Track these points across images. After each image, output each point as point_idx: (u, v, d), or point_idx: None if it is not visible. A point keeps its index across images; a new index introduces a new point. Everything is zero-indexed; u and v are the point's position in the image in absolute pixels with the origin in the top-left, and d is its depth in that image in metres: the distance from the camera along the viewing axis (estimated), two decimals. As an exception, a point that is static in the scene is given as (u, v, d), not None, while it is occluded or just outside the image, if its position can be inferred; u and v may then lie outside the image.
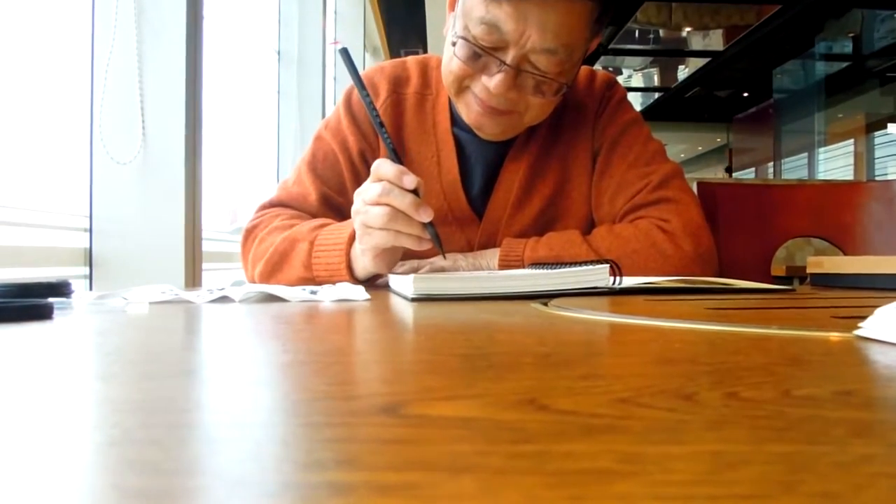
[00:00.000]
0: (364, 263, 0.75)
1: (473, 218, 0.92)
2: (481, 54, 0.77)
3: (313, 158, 0.93)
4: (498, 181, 0.91)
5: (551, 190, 0.91)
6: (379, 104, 0.92)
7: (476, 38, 0.76)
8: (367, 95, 0.75)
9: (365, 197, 0.70)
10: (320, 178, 0.92)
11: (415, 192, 0.68)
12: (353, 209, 0.72)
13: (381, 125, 0.74)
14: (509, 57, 0.76)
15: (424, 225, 0.70)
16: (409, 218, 0.68)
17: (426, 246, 0.71)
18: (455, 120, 0.91)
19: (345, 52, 0.73)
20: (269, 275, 0.83)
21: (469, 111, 0.83)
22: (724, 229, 1.12)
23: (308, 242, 0.80)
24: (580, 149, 0.92)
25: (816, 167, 7.61)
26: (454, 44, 0.79)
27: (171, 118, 1.40)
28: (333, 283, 0.78)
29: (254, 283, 0.87)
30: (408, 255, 0.89)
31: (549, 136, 0.92)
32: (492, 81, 0.78)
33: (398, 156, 0.73)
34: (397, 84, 0.94)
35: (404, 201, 0.67)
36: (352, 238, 0.76)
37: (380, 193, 0.68)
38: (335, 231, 0.79)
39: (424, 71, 0.95)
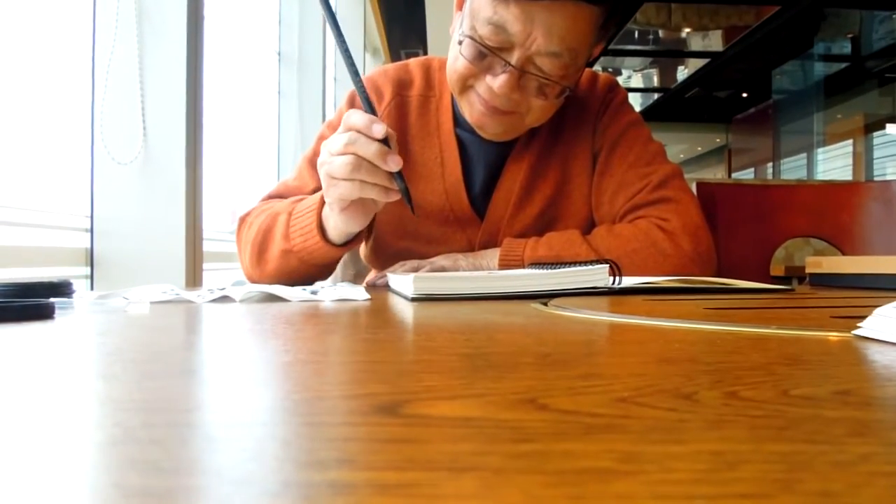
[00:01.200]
0: (334, 221, 0.74)
1: (475, 218, 0.92)
2: (487, 54, 0.77)
3: (314, 155, 0.93)
4: (499, 181, 0.91)
5: (552, 190, 0.92)
6: (383, 107, 0.92)
7: (482, 38, 0.76)
8: (344, 42, 0.70)
9: (331, 147, 0.68)
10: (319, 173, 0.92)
11: (385, 142, 0.67)
12: (319, 161, 0.70)
13: (357, 73, 0.71)
14: (514, 58, 0.76)
15: (393, 176, 0.68)
16: (374, 167, 0.66)
17: (394, 197, 0.69)
18: (458, 121, 0.92)
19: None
20: (259, 256, 0.82)
21: (472, 110, 0.84)
22: (723, 229, 1.12)
23: (287, 214, 0.80)
24: (581, 149, 0.92)
25: (815, 167, 7.61)
26: (460, 42, 0.79)
27: (171, 118, 1.40)
28: (309, 249, 0.77)
29: (247, 269, 0.87)
30: (408, 254, 0.89)
31: (550, 137, 0.92)
32: (496, 81, 0.78)
33: (371, 105, 0.71)
34: (401, 87, 0.94)
35: (370, 149, 0.66)
36: (323, 201, 0.75)
37: (346, 143, 0.66)
38: (311, 198, 0.79)
39: (427, 73, 0.95)
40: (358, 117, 0.67)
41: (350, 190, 0.68)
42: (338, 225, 0.74)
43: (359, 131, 0.66)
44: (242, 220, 0.89)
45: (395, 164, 0.66)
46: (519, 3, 0.73)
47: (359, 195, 0.69)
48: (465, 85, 0.82)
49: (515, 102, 0.80)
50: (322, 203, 0.75)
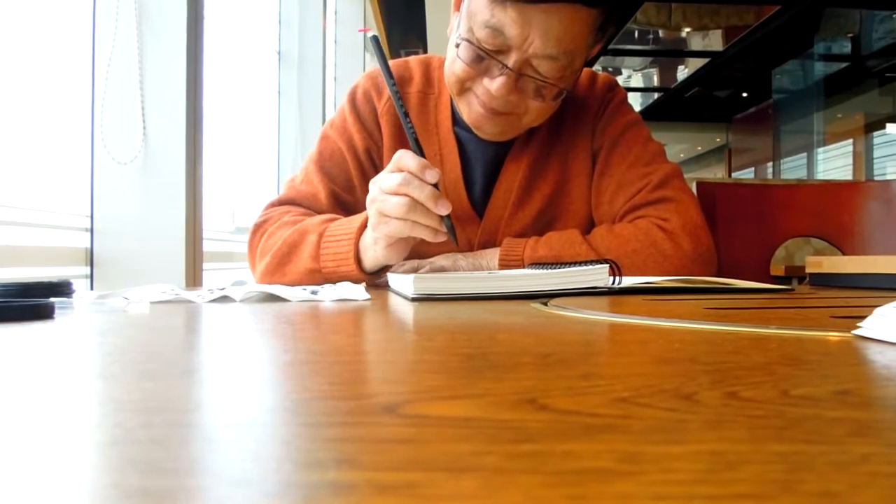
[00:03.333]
0: (375, 252, 0.75)
1: (474, 217, 0.92)
2: (484, 57, 0.77)
3: (320, 157, 0.93)
4: (498, 181, 0.91)
5: (551, 190, 0.92)
6: (382, 104, 0.92)
7: (479, 41, 0.76)
8: (394, 84, 0.75)
9: (383, 185, 0.69)
10: (328, 176, 0.92)
11: (434, 185, 0.68)
12: (370, 197, 0.72)
13: (406, 115, 0.74)
14: (511, 61, 0.76)
15: (441, 217, 0.70)
16: (426, 209, 0.68)
17: (441, 238, 0.71)
18: (456, 119, 0.92)
19: (375, 40, 0.74)
20: (277, 267, 0.82)
21: (470, 111, 0.84)
22: (723, 229, 1.12)
23: (317, 234, 0.79)
24: (580, 149, 0.92)
25: (815, 167, 7.61)
26: (458, 45, 0.79)
27: (171, 118, 1.40)
28: (340, 274, 0.78)
29: (259, 276, 0.87)
30: (409, 254, 0.89)
31: (549, 137, 0.92)
32: (493, 84, 0.78)
33: (420, 148, 0.73)
34: (400, 84, 0.94)
35: (423, 193, 0.67)
36: (361, 229, 0.76)
37: (399, 183, 0.68)
38: (345, 223, 0.79)
39: (427, 70, 0.95)
40: (411, 160, 0.69)
41: (401, 228, 0.70)
42: (377, 256, 0.75)
43: (412, 173, 0.68)
44: (259, 226, 0.88)
45: (444, 208, 0.68)
46: (516, 6, 0.73)
47: (409, 234, 0.70)
48: (463, 87, 0.82)
49: (513, 104, 0.80)
50: (359, 232, 0.76)
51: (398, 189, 0.68)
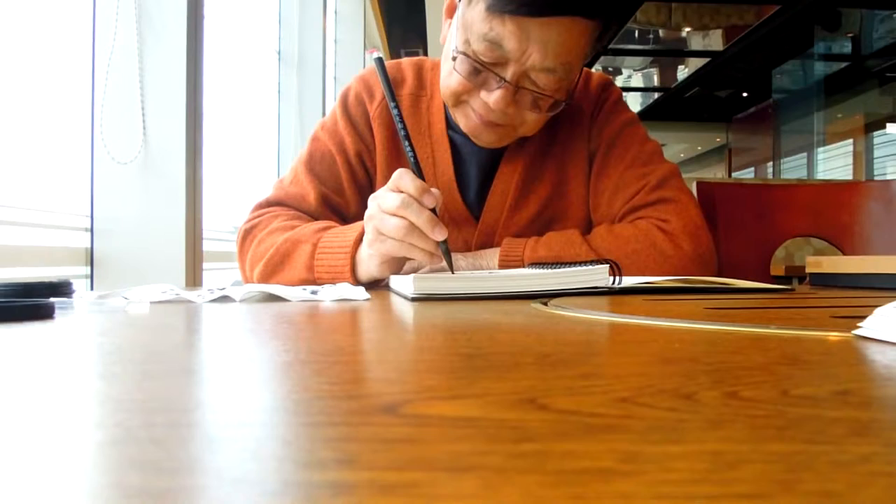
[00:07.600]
0: (368, 267, 0.75)
1: (470, 218, 0.92)
2: (481, 70, 0.77)
3: (310, 158, 0.93)
4: (494, 183, 0.91)
5: (548, 192, 0.91)
6: (374, 106, 0.92)
7: (476, 54, 0.76)
8: (396, 106, 0.75)
9: (382, 204, 0.69)
10: (318, 178, 0.91)
11: (433, 210, 0.68)
12: (368, 213, 0.72)
13: (407, 137, 0.74)
14: (509, 73, 0.76)
15: (437, 242, 0.70)
16: (423, 234, 0.68)
17: (437, 262, 0.71)
18: (450, 122, 0.91)
19: (379, 62, 0.75)
20: (269, 276, 0.82)
21: (467, 122, 0.84)
22: (723, 229, 1.12)
23: (311, 244, 0.79)
24: (576, 150, 0.92)
25: (815, 167, 7.61)
26: (454, 58, 0.79)
27: (171, 118, 1.40)
28: (334, 284, 0.78)
29: (251, 283, 0.87)
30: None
31: (544, 139, 0.92)
32: (491, 97, 0.78)
33: (420, 171, 0.73)
34: (392, 86, 0.93)
35: (421, 218, 0.67)
36: (357, 242, 0.76)
37: (398, 205, 0.67)
38: (339, 235, 0.79)
39: (419, 72, 0.95)
40: (410, 182, 0.68)
41: (398, 249, 0.70)
42: (370, 271, 0.75)
43: (411, 196, 0.68)
44: (248, 232, 0.88)
45: (441, 234, 0.68)
46: (514, 19, 0.72)
47: (405, 255, 0.71)
48: (459, 100, 0.82)
49: (510, 116, 0.81)
50: (355, 247, 0.76)
51: (396, 210, 0.68)
